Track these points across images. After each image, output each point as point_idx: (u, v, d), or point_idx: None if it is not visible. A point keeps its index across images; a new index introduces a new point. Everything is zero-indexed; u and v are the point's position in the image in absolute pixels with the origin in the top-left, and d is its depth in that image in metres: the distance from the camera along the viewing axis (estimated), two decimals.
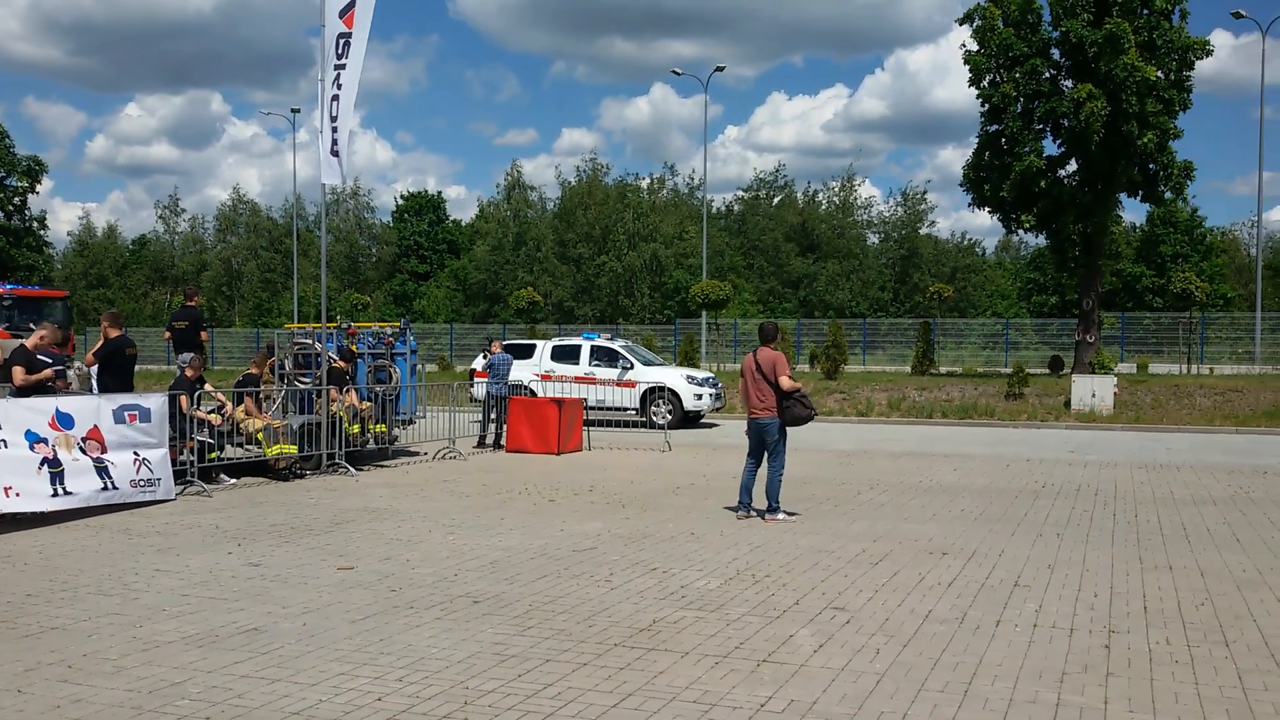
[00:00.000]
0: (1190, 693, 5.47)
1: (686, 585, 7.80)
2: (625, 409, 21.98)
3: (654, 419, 21.75)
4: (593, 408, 20.33)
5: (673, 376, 22.54)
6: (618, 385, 22.03)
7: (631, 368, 22.32)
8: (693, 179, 75.84)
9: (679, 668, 5.84)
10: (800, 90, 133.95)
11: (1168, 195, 31.53)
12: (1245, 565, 8.58)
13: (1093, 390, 24.34)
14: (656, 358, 24.44)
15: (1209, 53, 29.43)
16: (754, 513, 10.82)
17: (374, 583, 7.88)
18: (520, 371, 21.08)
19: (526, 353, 23.16)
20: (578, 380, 21.74)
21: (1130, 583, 7.98)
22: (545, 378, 21.83)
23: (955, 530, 10.15)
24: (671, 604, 7.25)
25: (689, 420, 22.37)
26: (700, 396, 22.14)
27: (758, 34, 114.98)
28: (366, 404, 15.38)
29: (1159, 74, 28.65)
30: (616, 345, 23.12)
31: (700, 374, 23.28)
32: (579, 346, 23.14)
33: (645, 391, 21.98)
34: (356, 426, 15.04)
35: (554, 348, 23.32)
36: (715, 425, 23.02)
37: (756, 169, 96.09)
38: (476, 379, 21.24)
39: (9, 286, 26.29)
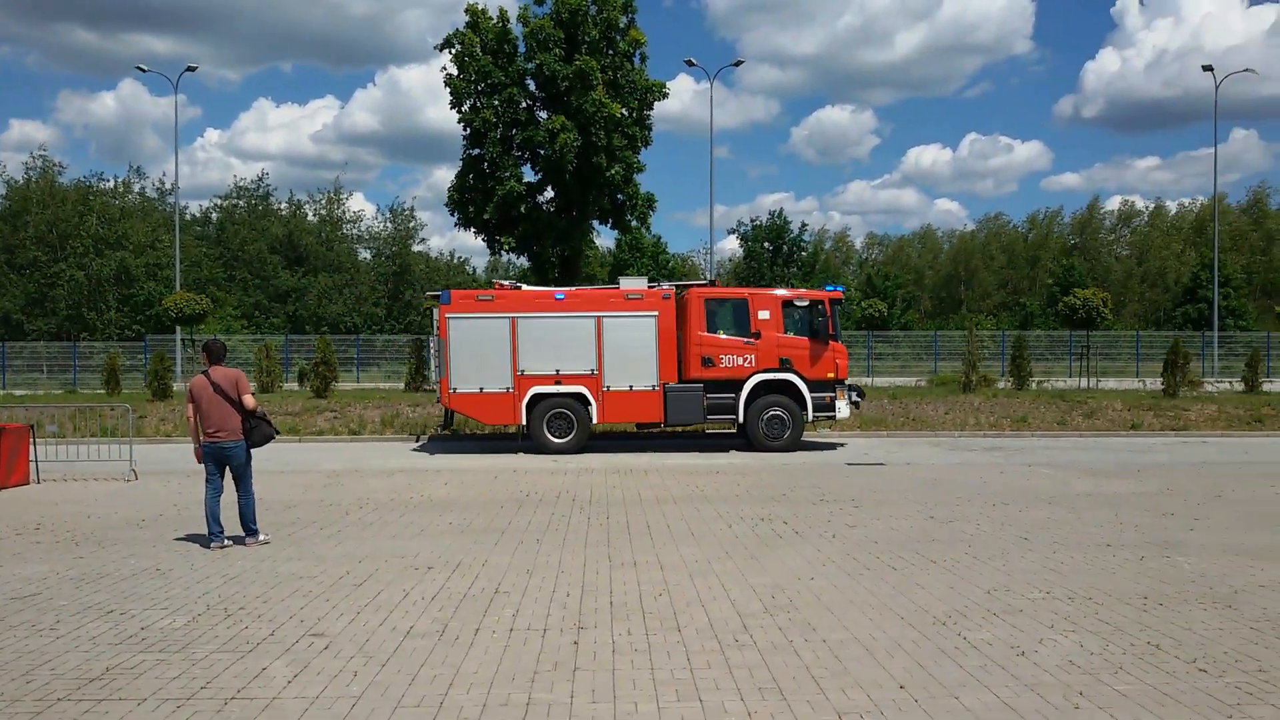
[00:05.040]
0: (646, 678, 5.96)
1: (148, 626, 7.11)
2: None
3: None
4: None
5: None
6: None
7: None
8: (164, 183, 70.37)
9: (135, 715, 5.31)
10: (289, 98, 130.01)
11: (634, 223, 34.59)
12: (698, 557, 9.54)
13: None
14: None
15: (665, 95, 32.80)
16: (229, 541, 10.17)
17: None
18: None
19: None
20: None
21: (600, 580, 8.56)
22: None
23: (442, 544, 10.26)
24: (129, 648, 6.56)
25: None
26: None
27: (243, 36, 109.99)
28: None
29: (624, 111, 31.35)
30: None
31: None
32: None
33: None
34: None
35: None
36: None
37: (238, 177, 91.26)
38: None
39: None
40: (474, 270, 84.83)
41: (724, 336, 19.28)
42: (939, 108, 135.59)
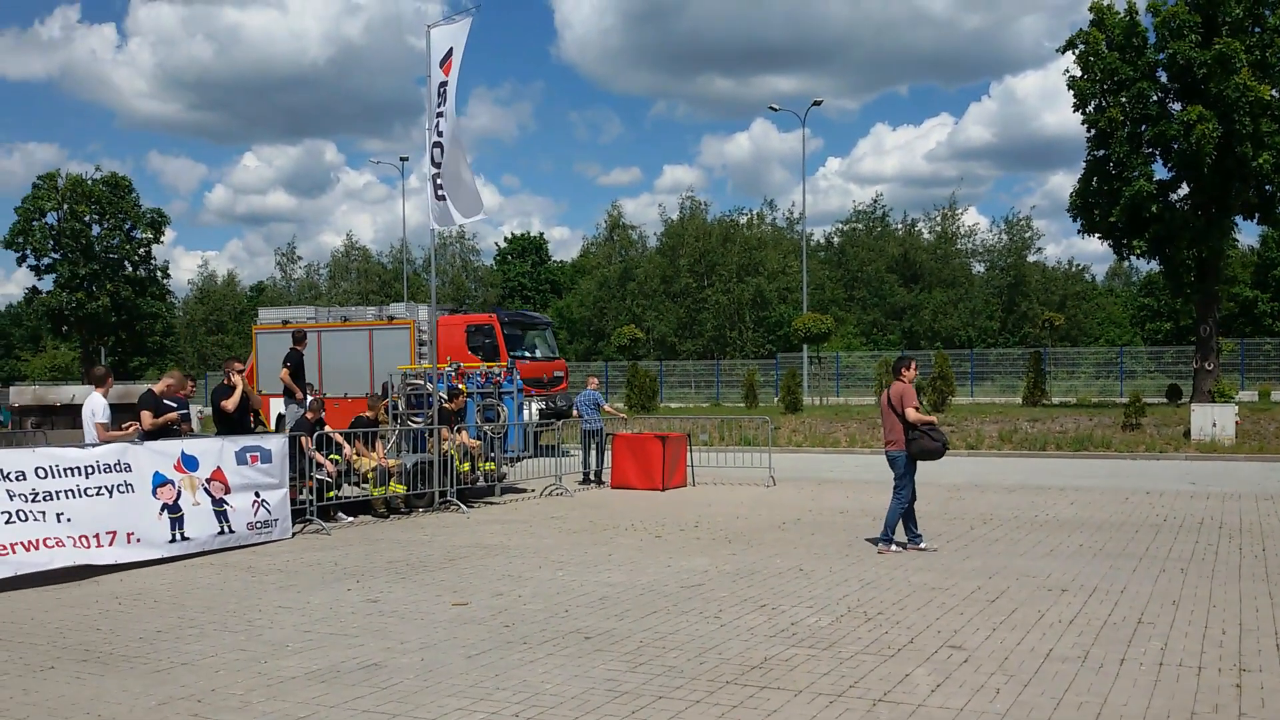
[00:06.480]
0: None
1: (797, 622, 7.75)
2: None
3: None
4: None
5: None
6: None
7: None
8: (792, 212, 75.64)
9: (792, 707, 5.81)
10: (904, 120, 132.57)
11: None
12: None
13: (1213, 419, 23.39)
14: None
15: None
16: (923, 545, 10.76)
17: (487, 618, 8.02)
18: None
19: None
20: None
21: (1260, 619, 7.66)
22: None
23: (1074, 566, 9.87)
24: (782, 641, 7.21)
25: None
26: None
27: (860, 65, 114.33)
28: (476, 442, 15.68)
29: (1274, 93, 27.74)
30: None
31: None
32: None
33: None
34: (467, 465, 15.35)
35: None
36: None
37: (856, 201, 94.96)
38: None
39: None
40: (1094, 278, 79.88)
41: None
42: None
